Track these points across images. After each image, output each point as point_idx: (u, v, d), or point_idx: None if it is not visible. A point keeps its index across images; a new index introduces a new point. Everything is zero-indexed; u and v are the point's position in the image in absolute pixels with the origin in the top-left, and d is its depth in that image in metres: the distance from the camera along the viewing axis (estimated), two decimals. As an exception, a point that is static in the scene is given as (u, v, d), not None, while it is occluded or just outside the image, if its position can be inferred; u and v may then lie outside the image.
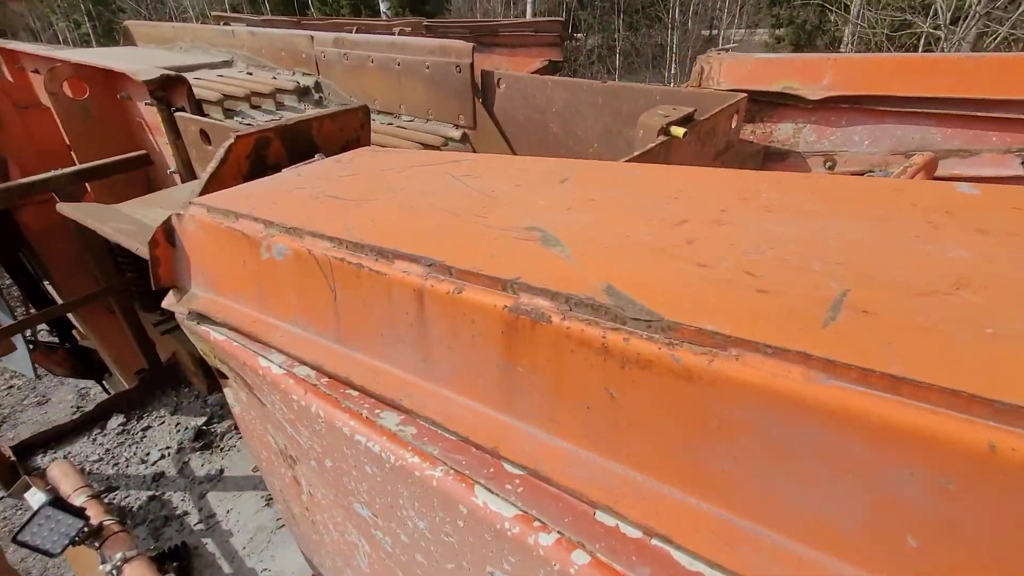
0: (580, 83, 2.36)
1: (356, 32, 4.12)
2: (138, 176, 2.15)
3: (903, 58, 1.69)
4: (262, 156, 1.25)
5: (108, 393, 3.67)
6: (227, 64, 4.13)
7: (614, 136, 2.35)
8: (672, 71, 20.11)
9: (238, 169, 1.18)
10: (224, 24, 5.22)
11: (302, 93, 3.53)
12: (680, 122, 1.57)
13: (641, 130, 1.55)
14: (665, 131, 1.44)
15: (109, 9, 33.64)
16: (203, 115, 1.87)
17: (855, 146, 1.89)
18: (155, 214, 1.52)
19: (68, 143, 2.10)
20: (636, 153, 1.55)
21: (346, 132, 1.49)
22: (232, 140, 1.13)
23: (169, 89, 1.73)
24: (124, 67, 1.82)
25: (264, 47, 3.82)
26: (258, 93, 3.36)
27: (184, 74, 3.89)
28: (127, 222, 1.46)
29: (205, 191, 1.13)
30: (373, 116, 3.32)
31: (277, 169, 1.26)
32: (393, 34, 4.25)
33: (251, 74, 3.92)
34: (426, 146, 2.78)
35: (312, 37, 3.43)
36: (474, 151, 2.96)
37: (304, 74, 3.66)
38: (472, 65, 2.71)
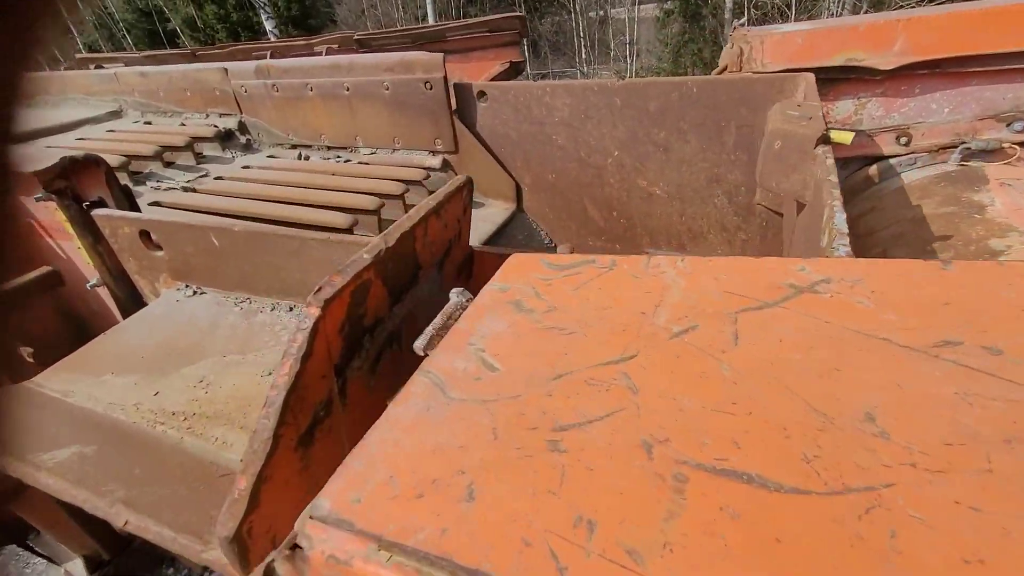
0: (589, 84, 2.00)
1: (272, 55, 3.51)
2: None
3: (990, 9, 1.47)
4: (359, 317, 0.74)
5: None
6: (115, 115, 3.38)
7: (641, 140, 2.01)
8: (583, 55, 20.26)
9: (328, 357, 0.67)
10: (96, 67, 4.37)
11: (224, 138, 2.91)
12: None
13: (779, 141, 1.21)
14: (825, 139, 1.12)
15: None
16: (133, 204, 1.31)
17: (933, 115, 1.67)
18: (111, 394, 0.97)
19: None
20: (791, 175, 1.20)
21: (450, 227, 1.03)
22: (314, 319, 0.61)
23: (76, 176, 1.17)
24: None
25: (162, 89, 3.14)
26: (170, 147, 2.71)
27: (66, 135, 3.14)
28: (70, 436, 0.91)
29: (287, 442, 0.62)
30: (318, 154, 2.78)
31: (375, 331, 0.77)
32: (312, 53, 3.67)
33: (149, 123, 3.22)
34: (407, 182, 2.31)
35: (226, 70, 2.82)
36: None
37: (221, 115, 3.03)
38: (445, 79, 2.27)
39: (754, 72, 1.82)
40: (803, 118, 1.19)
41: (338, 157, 2.68)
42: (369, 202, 2.10)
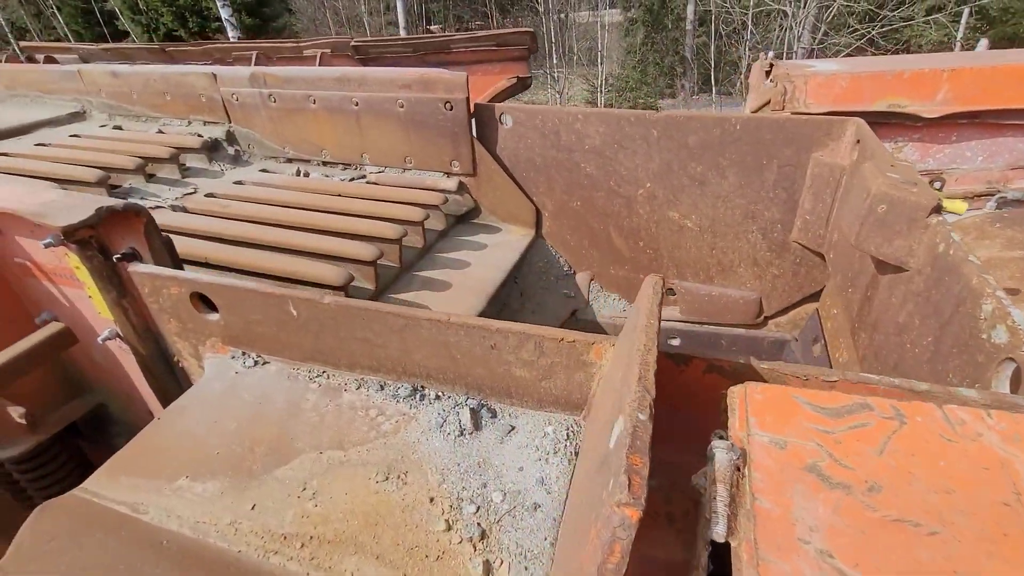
0: (626, 115, 1.95)
1: (257, 60, 3.27)
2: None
3: (1030, 66, 1.52)
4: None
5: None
6: (78, 117, 3.06)
7: (676, 173, 1.98)
8: (554, 60, 20.30)
9: None
10: (45, 59, 3.95)
11: (211, 148, 2.68)
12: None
13: (883, 205, 1.19)
14: (938, 208, 1.10)
15: None
16: (175, 257, 1.12)
17: (967, 162, 1.72)
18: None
19: None
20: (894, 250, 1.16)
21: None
22: (633, 526, 0.44)
23: (107, 226, 0.99)
24: (11, 204, 1.00)
25: (135, 91, 2.85)
26: (152, 158, 2.47)
27: (20, 139, 2.80)
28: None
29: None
30: (318, 170, 2.61)
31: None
32: (301, 57, 3.45)
33: (119, 128, 2.93)
34: (423, 206, 2.19)
35: (215, 75, 2.59)
36: (476, 203, 2.42)
37: (206, 123, 2.79)
38: (468, 100, 2.17)
39: (796, 112, 1.82)
40: (908, 183, 1.17)
41: (343, 174, 2.51)
42: (391, 230, 1.97)
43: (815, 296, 1.97)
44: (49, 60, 3.94)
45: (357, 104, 2.36)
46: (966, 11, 10.51)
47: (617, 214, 2.19)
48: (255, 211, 2.16)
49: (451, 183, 2.35)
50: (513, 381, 1.00)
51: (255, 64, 3.23)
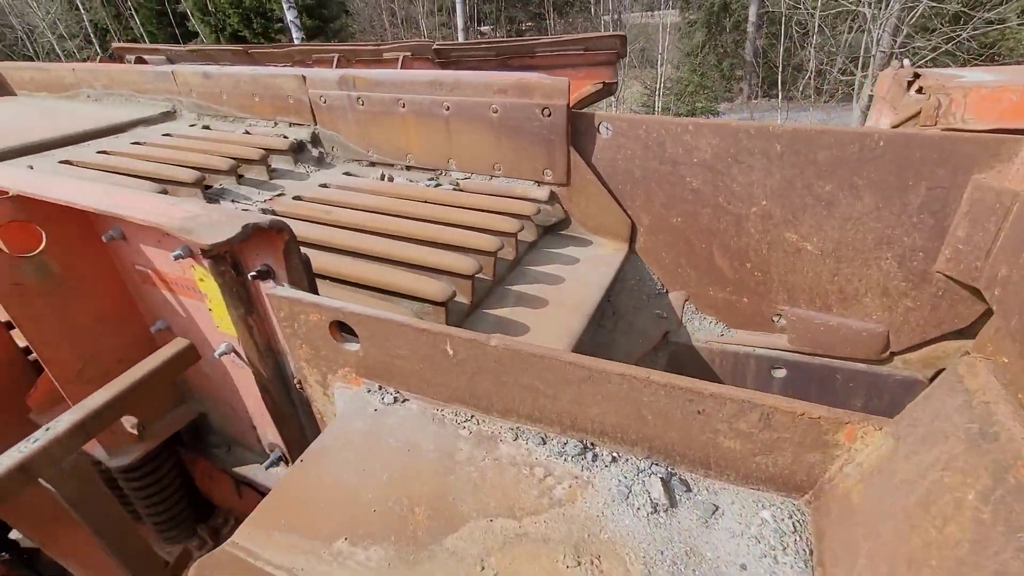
0: (744, 126, 1.79)
1: (339, 63, 3.28)
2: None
3: None
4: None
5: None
6: (169, 116, 3.14)
7: (799, 191, 1.81)
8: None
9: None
10: (136, 60, 4.11)
11: (297, 150, 2.68)
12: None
13: None
14: None
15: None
16: (311, 279, 1.06)
17: None
18: None
19: (8, 320, 1.20)
20: None
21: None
22: None
23: (245, 244, 0.94)
24: (157, 218, 0.95)
25: (225, 92, 2.90)
26: (244, 159, 2.48)
27: (119, 138, 2.89)
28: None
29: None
30: (403, 174, 2.56)
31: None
32: (381, 60, 3.44)
33: (208, 128, 2.98)
34: (516, 216, 2.10)
35: (304, 77, 2.59)
36: (566, 214, 2.31)
37: (291, 124, 2.79)
38: (568, 106, 2.06)
39: (950, 128, 1.62)
40: None
41: (430, 180, 2.45)
42: (487, 242, 1.89)
43: (957, 334, 1.76)
44: (139, 61, 4.10)
45: (448, 108, 2.29)
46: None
47: (723, 232, 2.04)
48: (343, 216, 2.12)
49: (542, 192, 2.25)
50: (717, 451, 0.87)
51: (337, 66, 3.23)
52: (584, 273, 2.08)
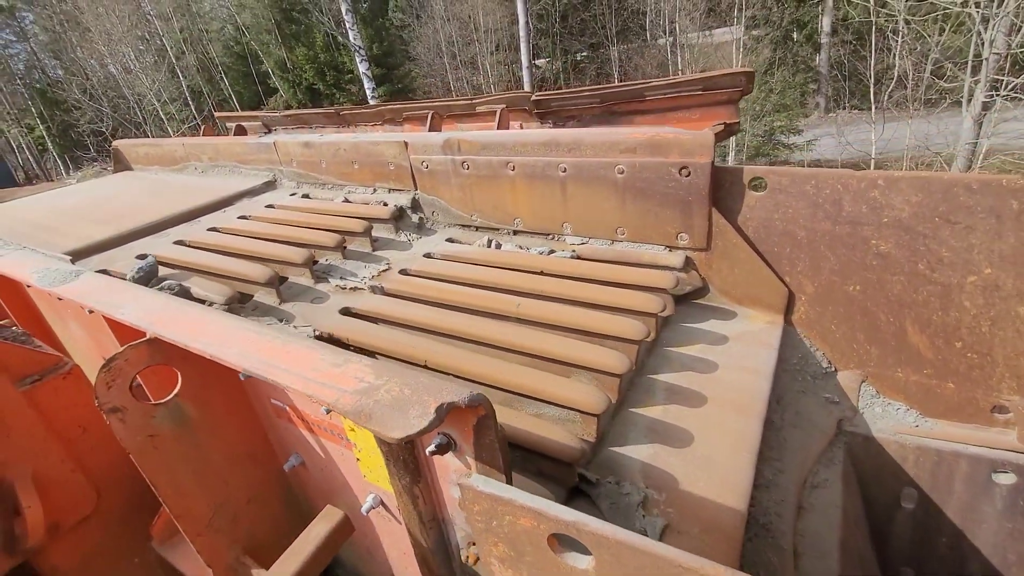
0: (964, 180, 1.44)
1: (432, 119, 3.20)
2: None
3: None
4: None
5: None
6: (270, 186, 3.16)
7: (1045, 259, 1.41)
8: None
9: None
10: (236, 128, 4.29)
11: (397, 217, 2.56)
12: None
13: None
14: None
15: (62, 109, 32.74)
16: (508, 466, 0.83)
17: None
18: None
19: (135, 462, 1.08)
20: None
21: None
22: None
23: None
24: (323, 392, 0.77)
25: (325, 160, 2.86)
26: (349, 232, 2.38)
27: (225, 212, 2.92)
28: None
29: None
30: (510, 240, 2.36)
31: None
32: (475, 113, 3.33)
33: (307, 196, 2.95)
34: (650, 288, 1.82)
35: (406, 143, 2.48)
36: (704, 282, 2.01)
37: (391, 190, 2.70)
38: (712, 164, 1.78)
39: None
40: None
41: (541, 246, 2.24)
42: (631, 328, 1.61)
43: None
44: (239, 129, 4.27)
45: (564, 170, 2.08)
46: None
47: (923, 305, 1.65)
48: (460, 295, 1.93)
49: (676, 259, 1.96)
50: None
51: (430, 123, 3.15)
52: (739, 356, 1.76)
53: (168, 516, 1.20)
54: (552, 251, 2.22)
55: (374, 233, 2.55)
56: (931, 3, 9.76)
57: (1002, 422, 1.67)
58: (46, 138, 34.83)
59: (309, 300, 2.05)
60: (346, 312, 1.95)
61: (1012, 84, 8.72)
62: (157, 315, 1.00)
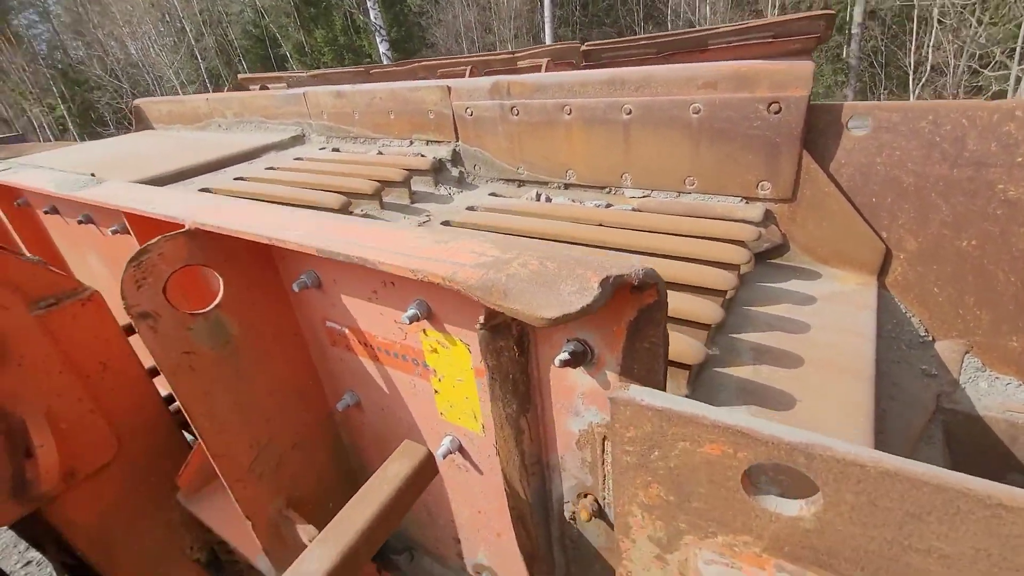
0: None
1: (471, 73, 2.99)
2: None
3: None
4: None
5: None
6: (298, 140, 2.99)
7: None
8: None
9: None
10: (261, 88, 4.12)
11: (437, 170, 2.37)
12: None
13: None
14: None
15: (83, 88, 32.98)
16: (664, 376, 0.66)
17: None
18: None
19: (171, 391, 0.91)
20: None
21: None
22: None
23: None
24: (435, 266, 0.60)
25: (359, 111, 2.68)
26: (388, 181, 2.20)
27: (251, 163, 2.75)
28: None
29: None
30: (561, 194, 2.16)
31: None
32: (516, 68, 3.13)
33: (338, 151, 2.77)
34: (728, 241, 1.61)
35: (449, 88, 2.29)
36: (784, 239, 1.80)
37: (429, 142, 2.51)
38: (808, 99, 1.57)
39: None
40: None
41: (597, 199, 2.04)
42: (719, 278, 1.42)
43: None
44: (263, 88, 4.10)
45: (630, 112, 1.87)
46: None
47: (1055, 261, 1.43)
48: (512, 245, 1.74)
49: (754, 212, 1.76)
50: None
51: (470, 76, 2.95)
52: (834, 317, 1.55)
53: (197, 463, 1.03)
54: (609, 205, 2.02)
55: (415, 187, 2.37)
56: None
57: None
58: (67, 117, 35.15)
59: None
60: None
61: (1064, 72, 8.29)
62: (197, 206, 0.82)
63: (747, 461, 0.50)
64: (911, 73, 12.47)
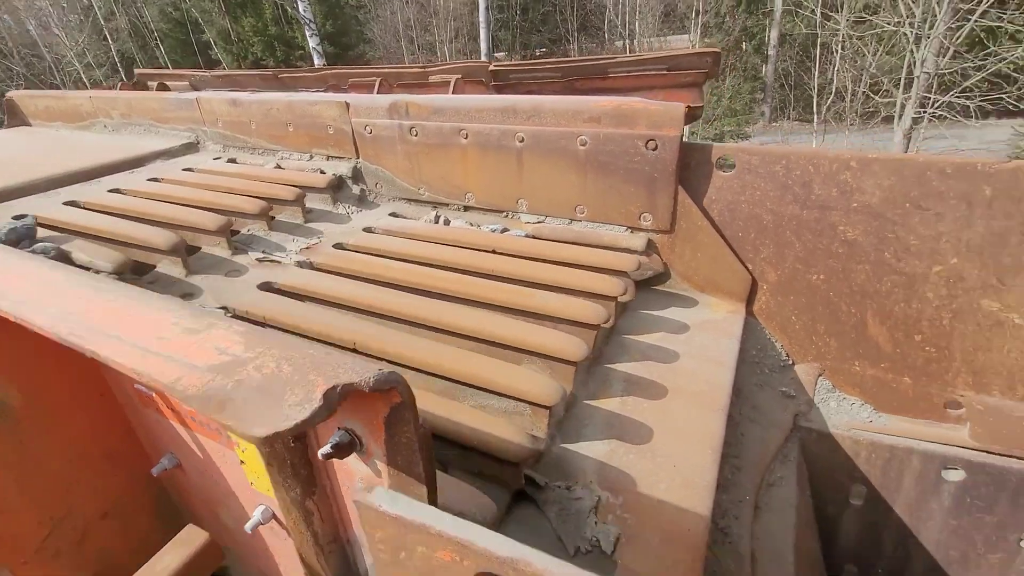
0: (939, 162, 1.37)
1: (380, 85, 2.93)
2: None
3: None
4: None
5: None
6: (191, 148, 2.80)
7: (1013, 248, 1.37)
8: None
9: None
10: (159, 87, 3.83)
11: (336, 187, 2.30)
12: None
13: None
14: None
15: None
16: (432, 472, 0.61)
17: None
18: None
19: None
20: None
21: None
22: None
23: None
24: (160, 373, 0.53)
25: (255, 120, 2.55)
26: (277, 199, 2.11)
27: (134, 173, 2.55)
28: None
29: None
30: (460, 216, 2.17)
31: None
32: (427, 83, 3.10)
33: (234, 161, 2.63)
34: (610, 270, 1.68)
35: (347, 104, 2.23)
36: (666, 267, 1.89)
37: (329, 157, 2.43)
38: (681, 138, 1.65)
39: None
40: None
41: (493, 223, 2.05)
42: (590, 312, 1.46)
43: None
44: (162, 87, 3.82)
45: (522, 140, 1.90)
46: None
47: (885, 296, 1.59)
48: (397, 271, 1.72)
49: (638, 241, 1.84)
50: None
51: (378, 91, 2.89)
52: (701, 345, 1.65)
53: None
54: (505, 229, 2.04)
55: (308, 203, 2.28)
56: (870, 22, 10.29)
57: (955, 418, 1.65)
58: (-54, 97, 31.15)
59: (223, 273, 1.78)
60: (266, 287, 1.69)
61: (939, 102, 9.37)
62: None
63: (472, 569, 0.52)
64: (815, 96, 13.65)
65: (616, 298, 1.60)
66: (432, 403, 1.16)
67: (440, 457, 1.18)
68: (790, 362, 1.85)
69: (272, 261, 1.84)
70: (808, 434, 1.81)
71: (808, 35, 14.04)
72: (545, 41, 30.57)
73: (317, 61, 13.82)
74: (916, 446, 1.69)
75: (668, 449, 1.27)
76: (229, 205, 2.01)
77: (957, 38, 8.91)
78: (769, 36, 20.11)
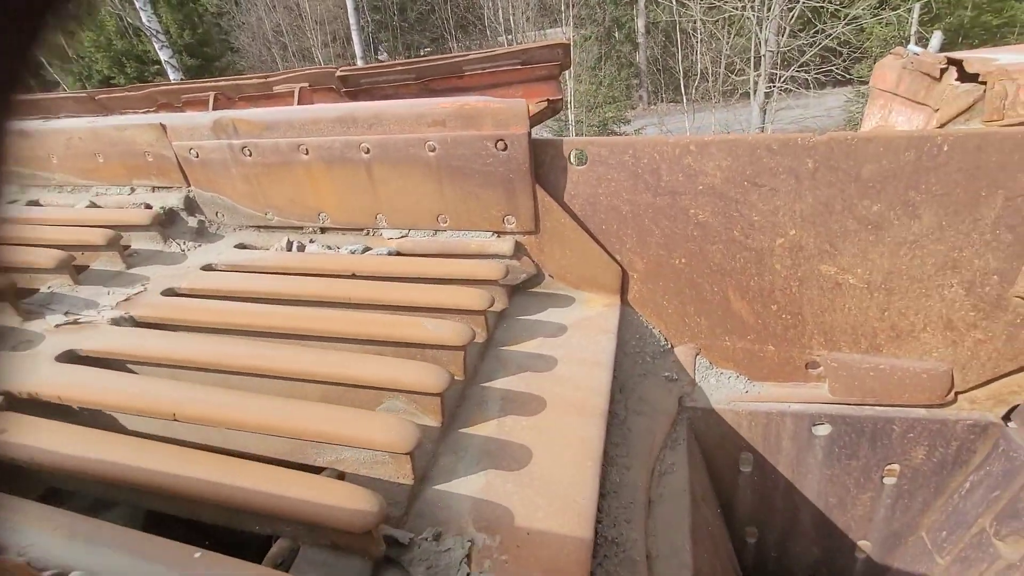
0: (766, 140, 1.41)
1: (216, 103, 2.61)
2: None
3: None
4: None
5: None
6: (-22, 192, 2.30)
7: (838, 215, 1.44)
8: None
9: None
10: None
11: (165, 223, 2.00)
12: None
13: None
14: None
15: None
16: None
17: None
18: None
19: None
20: None
21: None
22: None
23: None
24: None
25: (56, 154, 2.15)
26: (84, 246, 1.78)
27: None
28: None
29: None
30: (317, 239, 1.97)
31: None
32: (272, 94, 2.80)
33: (36, 203, 2.21)
34: (479, 282, 1.58)
35: (163, 126, 1.93)
36: (539, 268, 1.83)
37: (155, 188, 2.10)
38: (529, 136, 1.59)
39: (1018, 123, 1.32)
40: None
41: (352, 243, 1.88)
42: (454, 334, 1.34)
43: (1040, 366, 1.46)
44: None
45: (368, 151, 1.74)
46: (916, 6, 10.76)
47: (741, 272, 1.64)
48: (238, 315, 1.50)
49: (505, 245, 1.75)
50: None
51: (214, 107, 2.57)
52: (577, 346, 1.60)
53: None
54: (368, 248, 1.87)
55: (134, 244, 1.96)
56: (719, 7, 11.23)
57: (815, 377, 1.75)
58: None
59: (9, 348, 1.44)
60: (68, 357, 1.39)
61: (783, 77, 10.51)
62: None
63: None
64: (681, 79, 14.75)
65: (484, 312, 1.50)
66: (262, 476, 0.98)
67: (290, 533, 1.01)
68: (669, 346, 1.87)
69: (77, 323, 1.53)
70: (695, 413, 1.84)
71: (669, 22, 15.06)
72: (426, 41, 30.16)
73: (172, 76, 12.50)
74: (787, 409, 1.78)
75: (546, 469, 1.19)
76: (15, 261, 1.65)
77: (791, 18, 10.02)
78: (637, 25, 21.30)
